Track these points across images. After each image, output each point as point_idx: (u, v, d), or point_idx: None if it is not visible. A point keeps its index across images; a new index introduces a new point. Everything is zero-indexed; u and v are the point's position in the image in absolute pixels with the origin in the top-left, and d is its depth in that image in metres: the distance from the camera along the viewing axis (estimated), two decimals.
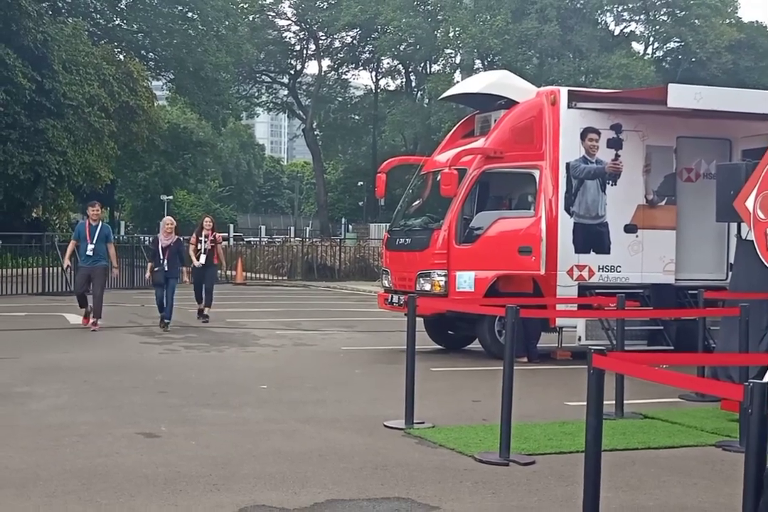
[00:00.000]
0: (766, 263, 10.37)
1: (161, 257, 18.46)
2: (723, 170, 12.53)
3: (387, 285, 16.64)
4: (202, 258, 20.03)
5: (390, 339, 16.98)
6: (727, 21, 64.59)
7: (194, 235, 20.69)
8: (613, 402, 10.16)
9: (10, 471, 7.53)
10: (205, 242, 20.13)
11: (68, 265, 23.05)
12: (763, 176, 10.59)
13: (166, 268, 18.37)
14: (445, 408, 10.78)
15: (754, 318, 10.39)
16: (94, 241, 18.24)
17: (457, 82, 41.25)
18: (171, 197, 68.77)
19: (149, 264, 18.99)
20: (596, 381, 5.63)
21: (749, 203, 10.83)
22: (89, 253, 18.25)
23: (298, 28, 73.32)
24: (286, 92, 78.31)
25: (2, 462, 7.81)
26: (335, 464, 8.01)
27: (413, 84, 73.45)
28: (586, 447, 5.66)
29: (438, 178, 15.36)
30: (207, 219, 21.02)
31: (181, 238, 19.25)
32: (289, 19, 72.72)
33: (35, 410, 10.14)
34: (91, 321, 18.30)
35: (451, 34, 62.78)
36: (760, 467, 4.23)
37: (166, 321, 18.60)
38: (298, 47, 75.08)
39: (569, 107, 15.31)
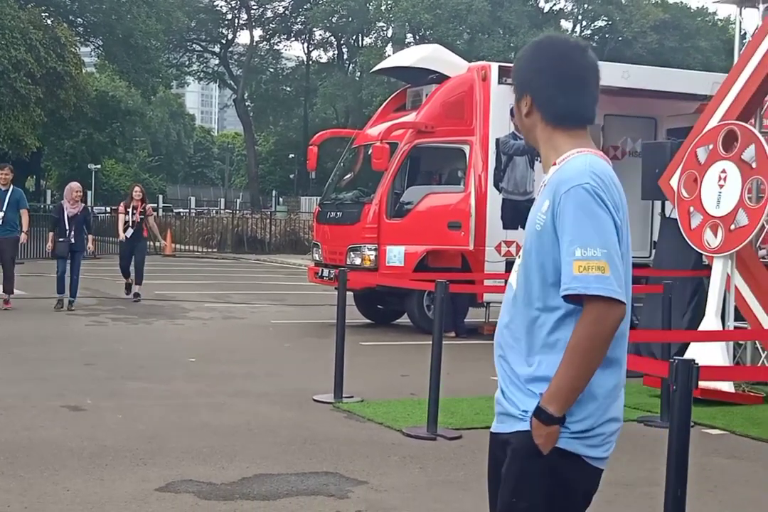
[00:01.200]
0: (689, 241, 10.55)
1: (66, 227, 16.80)
2: (648, 149, 12.71)
3: (317, 258, 16.65)
4: (129, 232, 18.47)
5: (320, 313, 17.03)
6: (653, 1, 65.18)
7: (121, 204, 19.11)
8: None
9: None
10: (134, 214, 18.52)
11: None
12: (687, 155, 10.76)
13: (72, 240, 16.79)
14: (373, 382, 10.86)
15: (677, 295, 10.59)
16: (4, 208, 16.26)
17: (389, 55, 41.22)
18: (99, 166, 67.92)
19: (50, 234, 17.13)
20: None
21: (674, 182, 11.01)
22: None
23: None
24: (217, 62, 77.62)
25: None
26: (264, 438, 8.04)
27: (345, 57, 73.20)
28: None
29: (369, 152, 15.37)
30: (136, 188, 19.22)
31: (89, 207, 18.01)
32: None
33: None
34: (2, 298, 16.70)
35: (383, 7, 62.63)
36: (683, 443, 4.32)
37: (70, 299, 16.90)
38: (229, 16, 74.37)
39: (500, 83, 15.34)
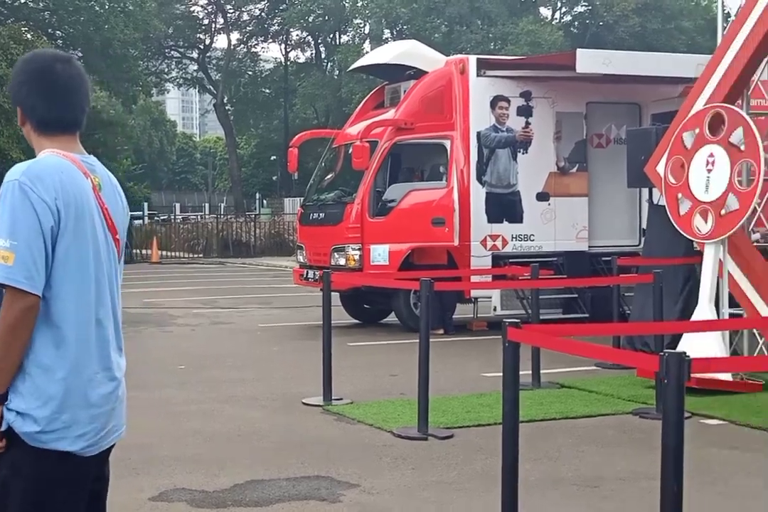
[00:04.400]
0: (678, 228, 10.39)
1: None
2: (633, 135, 12.58)
3: (302, 260, 16.50)
4: None
5: (307, 315, 16.85)
6: None
7: None
8: (530, 372, 10.16)
9: None
10: None
11: None
12: (674, 140, 10.60)
13: None
14: (362, 383, 10.74)
15: (667, 283, 10.44)
16: None
17: (367, 52, 40.99)
18: None
19: None
20: (511, 355, 5.56)
21: (660, 168, 10.86)
22: None
23: (205, 1, 72.40)
24: (195, 67, 77.33)
25: None
26: (255, 443, 7.98)
27: (323, 56, 72.96)
28: (504, 420, 5.61)
29: (350, 151, 15.23)
30: None
31: None
32: None
33: None
34: None
35: (359, 4, 62.43)
36: (678, 436, 4.19)
37: None
38: (206, 21, 74.11)
39: (478, 75, 15.23)
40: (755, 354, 10.25)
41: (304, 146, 17.31)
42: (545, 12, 66.90)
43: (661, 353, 4.17)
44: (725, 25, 11.11)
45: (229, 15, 73.06)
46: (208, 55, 76.47)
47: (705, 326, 8.82)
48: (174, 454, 7.60)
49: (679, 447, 4.20)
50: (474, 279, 14.41)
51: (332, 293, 10.16)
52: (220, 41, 79.39)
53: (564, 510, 6.25)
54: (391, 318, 15.93)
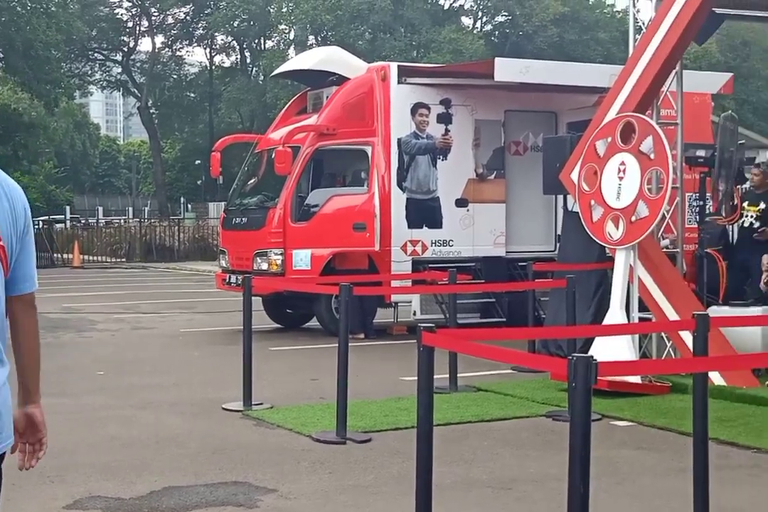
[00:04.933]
0: (591, 234, 10.62)
1: None
2: (549, 143, 12.81)
3: (224, 265, 16.52)
4: None
5: (230, 320, 16.86)
6: None
7: None
8: (448, 375, 10.32)
9: None
10: None
11: None
12: (587, 148, 10.83)
13: None
14: (283, 388, 10.80)
15: (581, 288, 10.67)
16: None
17: (291, 58, 41.06)
18: None
19: None
20: (426, 359, 5.71)
21: (574, 175, 11.08)
22: None
23: (130, 4, 71.83)
24: (119, 70, 76.74)
25: None
26: (173, 450, 7.97)
27: (248, 61, 72.79)
28: (418, 425, 5.72)
29: (272, 156, 15.29)
30: None
31: None
32: None
33: None
34: None
35: (284, 10, 62.37)
36: (585, 438, 4.34)
37: None
38: (130, 24, 73.50)
39: (399, 83, 15.37)
40: (663, 357, 10.52)
41: (229, 151, 17.34)
42: (467, 21, 67.51)
43: (570, 357, 4.33)
44: (637, 36, 11.38)
45: (153, 18, 72.52)
46: (132, 57, 75.83)
47: (615, 330, 9.04)
48: (90, 461, 7.57)
49: (585, 449, 4.34)
50: (394, 284, 14.56)
51: (255, 298, 10.21)
52: (145, 44, 78.99)
53: None
54: (314, 322, 16.00)
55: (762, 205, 12.03)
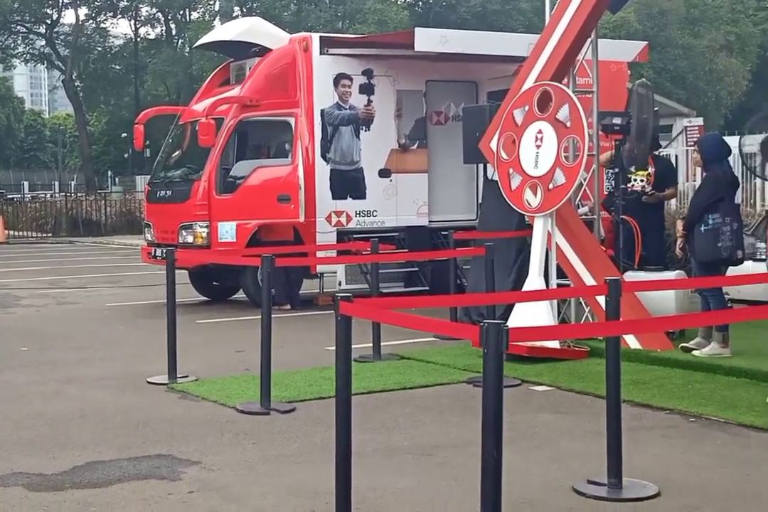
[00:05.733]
0: (510, 202, 10.74)
1: None
2: (468, 112, 12.90)
3: (150, 238, 16.43)
4: None
5: (156, 293, 16.77)
6: None
7: None
8: (371, 344, 10.43)
9: None
10: None
11: None
12: (505, 117, 10.93)
13: None
14: (209, 360, 10.82)
15: (500, 255, 10.81)
16: None
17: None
18: None
19: None
20: (344, 328, 5.80)
21: (493, 144, 11.18)
22: None
23: None
24: (43, 43, 75.55)
25: None
26: (97, 424, 7.97)
27: (173, 32, 72.04)
28: (337, 393, 5.82)
29: (196, 128, 15.22)
30: None
31: None
32: None
33: None
34: None
35: None
36: (497, 403, 4.43)
37: None
38: None
39: (321, 53, 15.36)
40: (582, 322, 10.70)
41: (156, 123, 17.25)
42: None
43: (481, 324, 4.42)
44: (553, 5, 11.47)
45: None
46: (55, 30, 74.59)
47: (534, 296, 9.19)
48: (13, 438, 7.55)
49: (498, 415, 4.43)
50: (319, 254, 14.62)
51: (181, 271, 10.20)
52: (68, 16, 77.72)
53: (398, 479, 6.43)
54: (241, 294, 16.02)
55: (650, 169, 12.25)
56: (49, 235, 37.26)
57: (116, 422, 8.04)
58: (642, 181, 12.13)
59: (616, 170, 11.55)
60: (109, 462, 6.84)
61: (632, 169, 11.95)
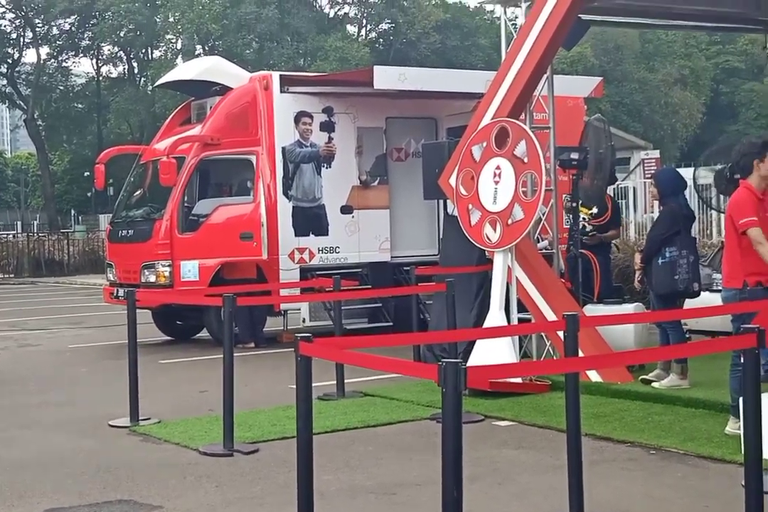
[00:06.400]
0: (470, 238, 10.78)
1: None
2: (428, 149, 12.98)
3: (112, 278, 16.36)
4: None
5: (119, 334, 16.55)
6: (434, 2, 66.38)
7: None
8: (335, 381, 10.40)
9: None
10: None
11: None
12: (464, 154, 11.00)
13: None
14: (171, 401, 10.76)
15: (462, 291, 10.83)
16: None
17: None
18: None
19: None
20: (304, 369, 5.80)
21: (452, 180, 11.24)
22: None
23: (13, 15, 70.66)
24: (4, 82, 75.41)
25: None
26: (56, 470, 7.86)
27: (136, 71, 72.07)
28: (298, 435, 5.81)
29: (157, 167, 15.22)
30: None
31: None
32: (2, 6, 69.93)
33: None
34: None
35: (171, 19, 61.86)
36: (457, 442, 4.43)
37: None
38: (14, 35, 72.35)
39: (282, 92, 15.43)
40: (543, 356, 10.73)
41: (118, 162, 17.22)
42: (352, 29, 67.79)
43: (439, 363, 4.43)
44: (509, 43, 11.59)
45: (38, 29, 71.37)
46: (17, 69, 74.51)
47: (495, 333, 9.20)
48: None
49: (457, 453, 4.43)
50: (283, 292, 14.61)
51: (144, 311, 10.15)
52: (30, 55, 77.63)
53: None
54: (204, 333, 15.96)
55: (594, 210, 12.34)
56: (11, 275, 36.96)
57: (76, 467, 7.93)
58: (584, 219, 12.19)
59: (574, 205, 11.63)
60: (69, 509, 6.76)
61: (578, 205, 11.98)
